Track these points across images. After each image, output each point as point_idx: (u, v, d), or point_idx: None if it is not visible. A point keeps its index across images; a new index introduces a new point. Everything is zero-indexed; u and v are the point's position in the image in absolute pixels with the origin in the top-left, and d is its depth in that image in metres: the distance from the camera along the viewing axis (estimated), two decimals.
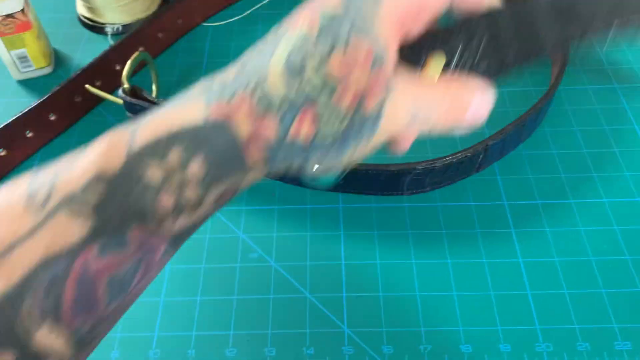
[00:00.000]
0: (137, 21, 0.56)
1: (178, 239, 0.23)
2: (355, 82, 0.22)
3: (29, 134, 0.45)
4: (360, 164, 0.40)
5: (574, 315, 0.36)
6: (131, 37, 0.50)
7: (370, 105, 0.22)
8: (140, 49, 0.51)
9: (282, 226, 0.41)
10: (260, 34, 0.55)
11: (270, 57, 0.23)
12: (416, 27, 0.25)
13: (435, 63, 0.25)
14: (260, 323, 0.37)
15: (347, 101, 0.22)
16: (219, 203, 0.23)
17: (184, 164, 0.21)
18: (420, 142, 0.45)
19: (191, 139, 0.22)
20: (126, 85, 0.43)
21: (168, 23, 0.53)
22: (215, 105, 0.22)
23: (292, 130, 0.22)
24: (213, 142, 0.22)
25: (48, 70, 0.52)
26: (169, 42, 0.54)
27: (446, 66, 0.25)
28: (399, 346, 0.35)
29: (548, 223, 0.41)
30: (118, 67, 0.50)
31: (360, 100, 0.22)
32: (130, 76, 0.44)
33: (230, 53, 0.54)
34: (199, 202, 0.22)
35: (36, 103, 0.45)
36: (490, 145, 0.41)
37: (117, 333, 0.36)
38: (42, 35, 0.51)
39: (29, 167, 0.45)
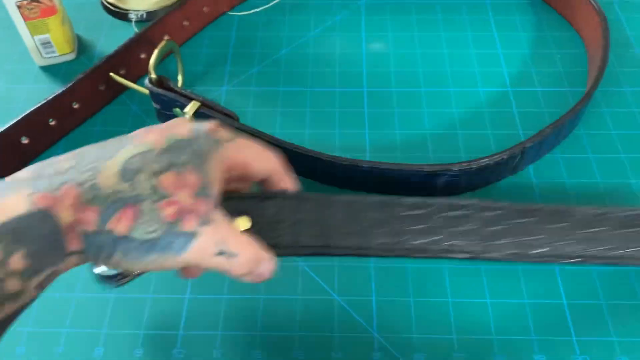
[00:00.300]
0: (162, 8, 0.54)
1: (3, 324, 0.24)
2: (180, 200, 0.26)
3: (52, 122, 0.44)
4: (394, 164, 0.38)
5: (612, 327, 0.35)
6: (156, 25, 0.49)
7: (188, 225, 0.26)
8: (166, 37, 0.50)
9: None
10: (287, 25, 0.54)
11: (111, 156, 0.26)
12: (236, 184, 0.30)
13: (243, 221, 0.30)
14: (287, 325, 0.36)
15: (168, 212, 0.25)
16: (43, 286, 0.24)
17: (4, 260, 0.22)
18: (454, 145, 0.44)
19: (12, 233, 0.23)
20: (153, 75, 0.42)
21: (194, 11, 0.52)
22: (41, 195, 0.24)
23: (110, 223, 0.25)
24: (35, 232, 0.23)
25: (71, 56, 0.51)
26: (194, 31, 0.53)
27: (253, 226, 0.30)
28: (430, 354, 0.34)
29: None
30: (143, 56, 0.49)
31: (180, 217, 0.25)
32: (158, 64, 0.43)
33: (257, 43, 0.52)
34: (21, 292, 0.23)
35: (60, 91, 0.44)
36: (528, 147, 0.40)
37: (141, 330, 0.35)
38: (66, 21, 0.50)
39: (51, 156, 0.44)
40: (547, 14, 0.54)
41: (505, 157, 0.39)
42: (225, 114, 0.41)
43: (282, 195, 0.31)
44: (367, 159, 0.44)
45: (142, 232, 0.25)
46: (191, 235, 0.26)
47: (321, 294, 0.37)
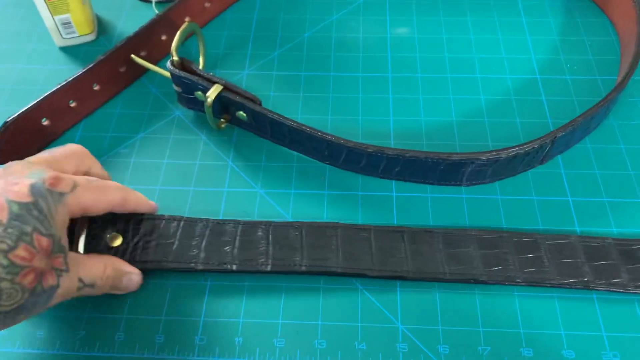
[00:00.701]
0: None
1: None
2: (36, 266, 0.28)
3: (72, 104, 0.44)
4: (420, 152, 0.38)
5: None
6: (178, 6, 0.48)
7: (48, 282, 0.29)
8: (187, 19, 0.49)
9: (332, 213, 0.39)
10: (309, 7, 0.53)
11: None
12: (97, 212, 0.33)
13: (117, 239, 0.35)
14: (310, 314, 0.35)
15: (28, 281, 0.28)
16: None
17: None
18: (481, 133, 0.43)
19: None
20: (175, 58, 0.41)
21: None
22: None
23: None
24: None
25: (91, 37, 0.50)
26: (216, 13, 0.52)
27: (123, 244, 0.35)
28: (455, 346, 0.34)
29: (615, 223, 0.38)
30: (164, 38, 0.48)
31: (39, 279, 0.28)
32: (179, 46, 0.42)
33: (279, 26, 0.51)
34: None
35: (80, 72, 0.43)
36: (559, 137, 0.39)
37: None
38: (86, 1, 0.49)
39: (71, 138, 0.44)
40: (578, 0, 0.53)
41: (536, 146, 0.38)
42: (248, 98, 0.41)
43: (152, 217, 0.36)
44: (392, 146, 0.43)
45: (6, 305, 0.27)
46: (53, 288, 0.29)
47: (345, 284, 0.36)
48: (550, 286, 0.35)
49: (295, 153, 0.43)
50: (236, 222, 0.37)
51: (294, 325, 0.35)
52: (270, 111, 0.40)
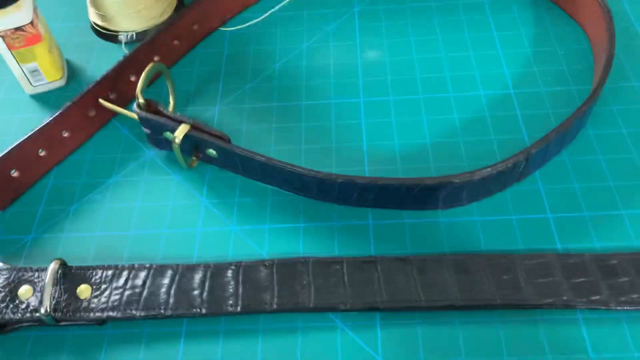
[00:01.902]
0: (152, 28, 0.53)
1: None
2: None
3: (42, 153, 0.43)
4: (392, 178, 0.37)
5: (630, 338, 0.33)
6: (145, 45, 0.48)
7: None
8: (156, 58, 0.49)
9: (308, 245, 0.38)
10: (279, 37, 0.53)
11: None
12: None
13: (86, 289, 0.36)
14: (288, 354, 0.34)
15: None
16: None
17: None
18: (456, 153, 0.42)
19: None
20: (141, 100, 0.41)
21: (184, 29, 0.51)
22: None
23: None
24: None
25: (61, 82, 0.50)
26: (186, 50, 0.52)
27: None
28: None
29: (597, 237, 0.37)
30: (133, 78, 0.48)
31: None
32: (146, 88, 0.42)
33: (249, 59, 0.51)
34: None
35: (47, 121, 0.43)
36: (533, 153, 0.38)
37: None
38: (53, 47, 0.49)
39: (43, 187, 0.43)
40: (547, 9, 0.52)
41: (509, 165, 0.37)
42: (216, 135, 0.40)
43: (122, 267, 0.37)
44: (366, 171, 0.42)
45: None
46: None
47: (324, 321, 0.35)
48: (529, 307, 0.34)
49: (269, 186, 0.42)
50: (206, 265, 0.37)
51: None
52: (240, 147, 0.39)
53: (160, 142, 0.43)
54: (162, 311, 0.35)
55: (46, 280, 0.35)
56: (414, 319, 0.35)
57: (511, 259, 0.35)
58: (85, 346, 0.35)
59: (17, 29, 0.44)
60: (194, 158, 0.43)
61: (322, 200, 0.41)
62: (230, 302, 0.35)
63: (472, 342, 0.34)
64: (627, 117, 0.44)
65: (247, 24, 0.54)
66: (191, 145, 0.42)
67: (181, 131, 0.40)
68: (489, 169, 0.37)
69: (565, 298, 0.34)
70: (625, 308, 0.33)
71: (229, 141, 0.40)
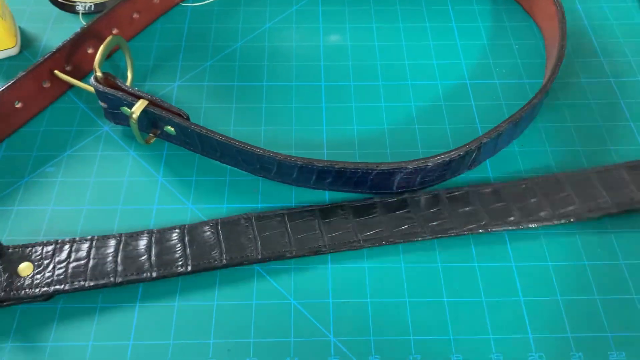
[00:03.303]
0: (111, 0, 0.52)
1: None
2: None
3: None
4: (349, 162, 0.38)
5: (568, 324, 0.35)
6: (104, 17, 0.47)
7: None
8: (114, 31, 0.48)
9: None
10: (241, 16, 0.52)
11: None
12: None
13: (28, 267, 0.35)
14: (241, 331, 0.35)
15: None
16: None
17: None
18: (412, 140, 0.43)
19: None
20: (98, 74, 0.40)
21: (144, 3, 0.50)
22: None
23: None
24: None
25: (14, 51, 0.48)
26: (145, 24, 0.51)
27: None
28: (387, 356, 0.34)
29: (542, 226, 0.39)
30: (90, 51, 0.47)
31: None
32: (104, 61, 0.41)
33: (210, 36, 0.51)
34: None
35: (0, 90, 0.41)
36: (484, 143, 0.39)
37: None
38: (6, 14, 0.47)
39: None
40: (505, 4, 0.54)
41: (461, 153, 0.39)
42: (174, 112, 0.40)
43: (64, 241, 0.37)
44: (325, 155, 0.43)
45: None
46: None
47: (277, 299, 0.36)
48: (454, 234, 0.38)
49: (227, 166, 0.42)
50: (150, 232, 0.37)
51: (224, 344, 0.34)
52: (199, 125, 0.39)
53: (117, 116, 0.43)
54: (111, 279, 0.35)
55: None
56: (365, 301, 0.36)
57: (437, 193, 0.40)
58: (35, 323, 0.35)
59: None
60: (151, 134, 0.43)
61: (280, 182, 0.41)
62: (180, 263, 0.36)
63: (413, 271, 0.37)
64: (575, 111, 0.46)
65: (210, 1, 0.54)
66: (149, 121, 0.41)
67: (139, 107, 0.40)
68: (442, 156, 0.38)
69: (483, 223, 0.38)
70: (533, 225, 0.38)
71: (187, 119, 0.40)
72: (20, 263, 0.35)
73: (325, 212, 0.39)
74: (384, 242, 0.37)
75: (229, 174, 0.42)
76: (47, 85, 0.45)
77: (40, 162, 0.42)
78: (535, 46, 0.50)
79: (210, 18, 0.52)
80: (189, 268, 0.36)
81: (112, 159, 0.42)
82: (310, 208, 0.39)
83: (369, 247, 0.37)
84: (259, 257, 0.36)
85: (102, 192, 0.40)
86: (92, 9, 0.52)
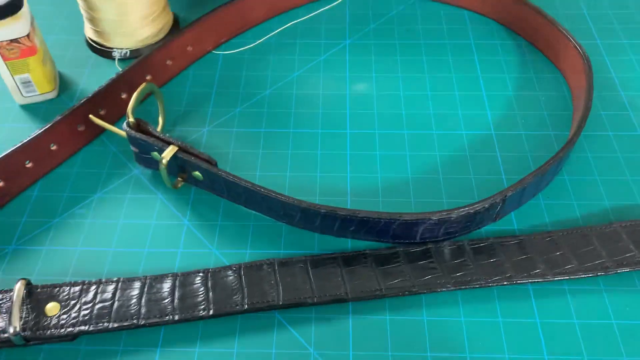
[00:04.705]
0: (146, 46, 0.54)
1: None
2: None
3: (29, 164, 0.44)
4: (373, 212, 0.38)
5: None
6: (139, 64, 0.49)
7: None
8: (148, 77, 0.50)
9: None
10: (271, 64, 0.54)
11: None
12: None
13: (55, 307, 0.36)
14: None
15: None
16: None
17: None
18: (436, 189, 0.43)
19: None
20: (131, 119, 0.42)
21: (178, 50, 0.52)
22: None
23: None
24: None
25: (52, 94, 0.51)
26: (178, 70, 0.53)
27: None
28: None
29: (568, 281, 0.39)
30: (124, 96, 0.48)
31: None
32: (136, 107, 0.43)
33: (240, 83, 0.52)
34: None
35: (37, 133, 0.43)
36: (509, 195, 0.39)
37: None
38: (47, 60, 0.49)
39: (28, 198, 0.44)
40: (532, 55, 0.54)
41: (486, 205, 0.38)
42: (203, 159, 0.41)
43: (90, 283, 0.37)
44: (349, 203, 0.43)
45: None
46: None
47: (297, 348, 0.36)
48: (478, 286, 0.37)
49: (252, 212, 0.43)
50: (174, 275, 0.38)
51: None
52: (226, 172, 0.40)
53: (147, 160, 0.44)
54: (134, 321, 0.35)
55: (13, 301, 0.35)
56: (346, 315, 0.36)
57: (460, 245, 0.40)
58: None
59: (12, 40, 0.45)
60: (179, 179, 0.44)
61: (304, 229, 0.41)
62: (202, 306, 0.36)
63: (435, 324, 0.36)
64: (602, 165, 0.45)
65: (241, 49, 0.55)
66: (177, 166, 0.42)
67: (169, 152, 0.41)
68: (467, 208, 0.38)
69: (509, 275, 0.38)
70: (558, 279, 0.38)
71: (215, 165, 0.41)
72: (47, 303, 0.36)
73: (348, 259, 0.39)
74: (406, 292, 0.37)
75: (253, 219, 0.42)
76: (81, 128, 0.46)
77: (72, 203, 0.43)
78: (561, 98, 0.50)
79: (241, 65, 0.54)
80: (211, 312, 0.36)
81: (140, 201, 0.43)
82: (333, 255, 0.39)
83: (391, 296, 0.37)
84: (280, 302, 0.36)
85: (130, 234, 0.41)
86: (128, 55, 0.54)
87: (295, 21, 0.58)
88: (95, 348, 0.36)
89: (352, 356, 0.35)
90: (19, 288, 0.36)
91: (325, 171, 0.45)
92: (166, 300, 0.36)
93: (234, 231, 0.42)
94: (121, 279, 0.38)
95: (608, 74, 0.53)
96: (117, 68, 0.54)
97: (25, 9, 0.45)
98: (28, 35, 0.45)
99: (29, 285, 0.37)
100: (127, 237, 0.41)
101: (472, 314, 0.37)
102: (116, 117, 0.49)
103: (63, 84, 0.52)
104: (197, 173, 0.42)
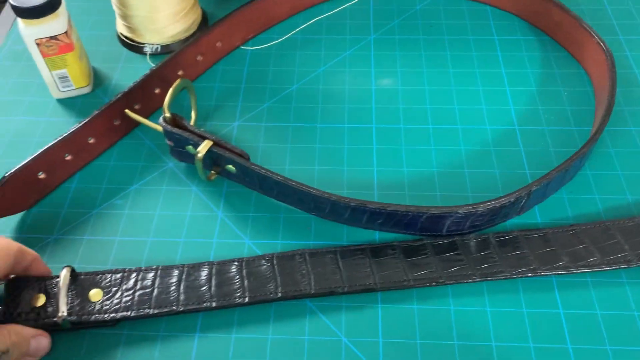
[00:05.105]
0: (176, 42, 0.56)
1: None
2: None
3: (68, 157, 0.45)
4: (401, 205, 0.39)
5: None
6: (171, 60, 0.50)
7: None
8: (180, 72, 0.51)
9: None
10: (297, 59, 0.55)
11: None
12: None
13: (98, 293, 0.38)
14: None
15: None
16: None
17: None
18: (461, 183, 0.44)
19: None
20: (167, 114, 0.43)
21: (207, 46, 0.53)
22: None
23: None
24: None
25: (87, 89, 0.52)
26: (208, 65, 0.54)
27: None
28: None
29: (590, 274, 0.40)
30: (157, 91, 0.50)
31: None
32: (172, 103, 0.44)
33: (268, 78, 0.53)
34: None
35: (76, 127, 0.45)
36: (534, 190, 0.40)
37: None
38: (83, 56, 0.51)
39: (67, 190, 0.45)
40: (555, 51, 0.55)
41: (512, 199, 0.40)
42: (236, 153, 0.42)
43: (130, 270, 0.39)
44: (375, 196, 0.45)
45: None
46: None
47: (329, 335, 0.37)
48: (503, 278, 0.39)
49: (282, 204, 0.44)
50: (211, 263, 0.40)
51: None
52: (258, 166, 0.42)
53: (181, 154, 0.45)
54: (174, 307, 0.37)
55: (60, 287, 0.37)
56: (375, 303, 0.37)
57: (485, 237, 0.41)
58: (102, 347, 0.37)
59: (52, 37, 0.47)
60: (212, 172, 0.45)
61: (333, 220, 0.43)
62: (238, 294, 0.38)
63: (462, 314, 0.37)
64: (624, 160, 0.46)
65: (268, 44, 0.57)
66: (211, 159, 0.44)
67: (204, 147, 0.42)
68: (493, 202, 0.39)
69: (532, 267, 0.39)
70: (582, 271, 0.39)
71: (248, 159, 0.43)
72: (91, 289, 0.38)
73: (376, 251, 0.40)
74: (433, 283, 0.39)
75: (284, 211, 0.44)
76: (117, 123, 0.48)
77: (110, 194, 0.45)
78: (584, 93, 0.51)
79: (268, 61, 0.55)
80: (247, 299, 0.38)
81: (175, 193, 0.45)
82: (361, 247, 0.40)
83: (418, 286, 0.38)
84: (312, 291, 0.38)
85: (166, 225, 0.43)
86: (159, 50, 0.56)
87: (320, 17, 0.59)
88: (137, 333, 0.38)
89: (382, 344, 0.37)
90: (64, 275, 0.38)
91: (352, 165, 0.47)
92: (203, 288, 0.38)
93: (265, 222, 0.43)
94: (160, 267, 0.39)
95: (630, 69, 0.53)
96: (149, 63, 0.55)
97: (62, 7, 0.47)
98: (66, 33, 0.47)
99: (73, 273, 0.38)
100: (163, 228, 0.43)
101: (497, 304, 0.38)
102: (150, 112, 0.50)
103: (97, 79, 0.54)
104: (230, 166, 0.43)
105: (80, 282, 0.38)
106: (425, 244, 0.41)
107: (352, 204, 0.40)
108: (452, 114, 0.50)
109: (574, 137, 0.48)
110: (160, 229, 0.43)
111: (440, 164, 0.46)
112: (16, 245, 0.37)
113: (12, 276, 0.38)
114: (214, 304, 0.37)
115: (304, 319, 0.38)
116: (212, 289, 0.38)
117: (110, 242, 0.42)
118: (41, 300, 0.37)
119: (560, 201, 0.44)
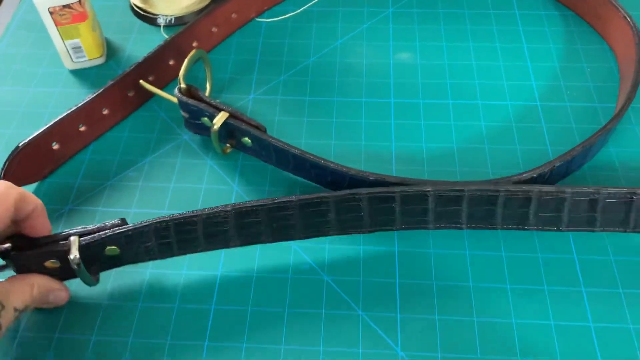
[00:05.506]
0: (190, 13, 0.55)
1: None
2: None
3: (82, 128, 0.45)
4: (421, 180, 0.38)
5: None
6: (185, 31, 0.49)
7: None
8: (194, 44, 0.50)
9: (335, 239, 0.40)
10: (314, 31, 0.54)
11: None
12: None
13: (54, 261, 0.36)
14: (311, 339, 0.36)
15: None
16: None
17: None
18: (481, 159, 0.44)
19: None
20: (182, 85, 0.43)
21: (222, 17, 0.52)
22: None
23: None
24: None
25: (100, 60, 0.52)
26: (223, 37, 0.53)
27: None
28: None
29: (612, 251, 0.39)
30: (172, 62, 0.49)
31: None
32: (187, 74, 0.44)
33: (284, 51, 0.52)
34: None
35: (90, 98, 0.44)
36: (557, 166, 0.39)
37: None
38: (96, 26, 0.50)
39: (81, 161, 0.45)
40: (578, 26, 0.54)
41: (534, 175, 0.39)
42: (253, 125, 0.42)
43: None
44: (393, 170, 0.44)
45: None
46: None
47: (346, 309, 0.37)
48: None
49: (298, 178, 0.43)
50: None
51: (295, 351, 0.35)
52: (275, 138, 0.41)
53: (197, 126, 0.45)
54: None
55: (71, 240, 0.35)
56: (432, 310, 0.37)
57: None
58: (127, 285, 0.37)
59: (65, 6, 0.46)
60: (228, 145, 0.44)
61: None
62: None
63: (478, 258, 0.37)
64: None
65: (284, 17, 0.55)
66: (227, 132, 0.43)
67: (220, 118, 0.41)
68: (516, 177, 0.38)
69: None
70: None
71: (265, 132, 0.42)
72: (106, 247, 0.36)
73: (406, 198, 0.38)
74: (459, 226, 0.39)
75: (300, 186, 0.43)
76: (131, 94, 0.47)
77: (124, 166, 0.45)
78: (607, 69, 0.50)
79: (284, 33, 0.54)
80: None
81: (190, 166, 0.44)
82: (391, 194, 0.38)
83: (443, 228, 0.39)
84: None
85: (181, 198, 0.42)
86: (173, 21, 0.55)
87: None
88: (160, 271, 0.37)
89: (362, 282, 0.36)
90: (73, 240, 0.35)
91: (369, 139, 0.46)
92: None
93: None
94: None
95: None
96: (163, 35, 0.54)
97: None
98: (79, 1, 0.46)
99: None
100: (179, 200, 0.42)
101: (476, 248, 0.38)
102: (164, 84, 0.50)
103: (110, 50, 0.53)
104: (246, 139, 0.42)
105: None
106: (463, 193, 0.38)
107: (371, 178, 0.39)
108: (473, 89, 0.49)
109: (597, 114, 0.47)
110: (175, 201, 0.42)
111: (460, 140, 0.45)
112: (16, 191, 0.34)
113: (13, 252, 0.35)
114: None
115: (356, 331, 0.36)
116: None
117: (125, 215, 0.42)
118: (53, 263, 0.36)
119: (583, 178, 0.43)
